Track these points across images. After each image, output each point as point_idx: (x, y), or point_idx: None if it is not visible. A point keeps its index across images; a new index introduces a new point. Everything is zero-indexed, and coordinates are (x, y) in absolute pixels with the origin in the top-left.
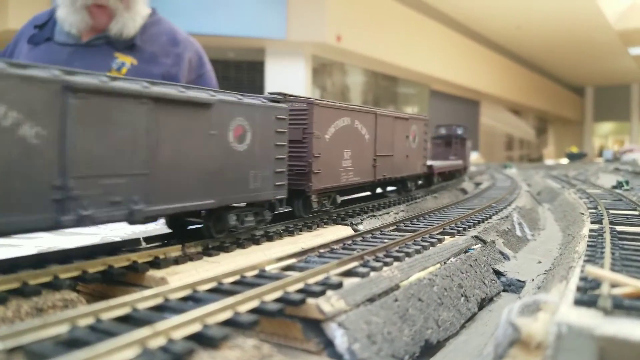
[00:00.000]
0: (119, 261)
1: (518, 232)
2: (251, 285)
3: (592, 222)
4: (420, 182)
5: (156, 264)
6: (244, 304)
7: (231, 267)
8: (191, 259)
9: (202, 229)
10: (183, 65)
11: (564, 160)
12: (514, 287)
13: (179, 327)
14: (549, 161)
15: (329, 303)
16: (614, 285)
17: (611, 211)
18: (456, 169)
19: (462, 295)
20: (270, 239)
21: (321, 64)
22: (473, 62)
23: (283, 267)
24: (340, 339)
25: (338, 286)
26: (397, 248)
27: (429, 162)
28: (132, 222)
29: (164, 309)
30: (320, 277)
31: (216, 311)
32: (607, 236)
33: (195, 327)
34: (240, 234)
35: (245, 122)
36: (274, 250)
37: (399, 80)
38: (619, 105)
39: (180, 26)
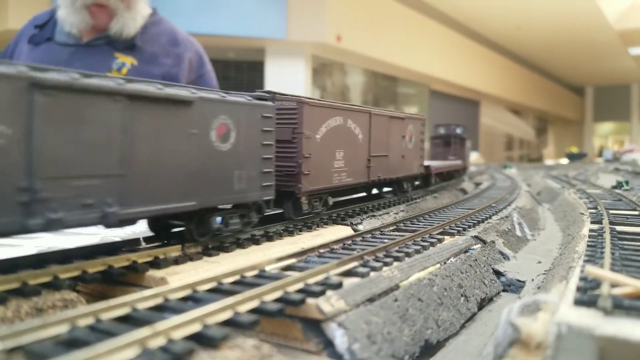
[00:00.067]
0: (119, 261)
1: (518, 232)
2: (251, 285)
3: (592, 222)
4: (417, 182)
5: (156, 264)
6: (244, 304)
7: (231, 267)
8: (191, 259)
9: (184, 232)
10: (183, 65)
11: (564, 161)
12: (514, 287)
13: (178, 327)
14: (548, 161)
15: (329, 303)
16: (613, 285)
17: (611, 211)
18: (455, 169)
19: (462, 295)
20: (270, 239)
21: (321, 64)
22: (473, 62)
23: (283, 267)
24: (340, 339)
25: (338, 286)
26: (397, 248)
27: (426, 163)
28: (107, 226)
29: (163, 309)
30: (320, 277)
31: (216, 311)
32: (607, 236)
33: (195, 327)
34: (227, 237)
35: (229, 121)
36: (274, 250)
37: (398, 80)
38: (618, 105)
39: (180, 26)
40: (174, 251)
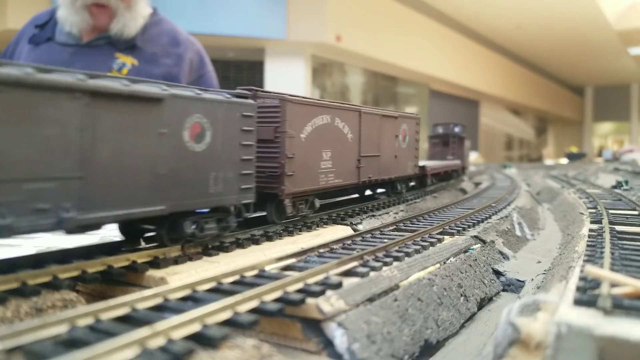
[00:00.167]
0: (119, 261)
1: (518, 232)
2: (251, 285)
3: (591, 222)
4: (412, 183)
5: (156, 264)
6: (244, 304)
7: (231, 267)
8: (191, 259)
9: (155, 237)
10: (184, 65)
11: (564, 160)
12: (514, 286)
13: (178, 327)
14: (548, 161)
15: (329, 303)
16: (613, 285)
17: (611, 211)
18: (453, 169)
19: (461, 295)
20: (269, 238)
21: (321, 64)
22: (473, 62)
23: (283, 267)
24: (339, 338)
25: (338, 286)
26: (396, 248)
27: (421, 163)
28: (67, 232)
29: (163, 309)
30: (319, 277)
31: (216, 311)
32: (607, 236)
33: (195, 327)
34: (203, 241)
35: (204, 120)
36: (274, 250)
37: (398, 80)
38: (618, 105)
39: (180, 26)
40: (174, 251)
